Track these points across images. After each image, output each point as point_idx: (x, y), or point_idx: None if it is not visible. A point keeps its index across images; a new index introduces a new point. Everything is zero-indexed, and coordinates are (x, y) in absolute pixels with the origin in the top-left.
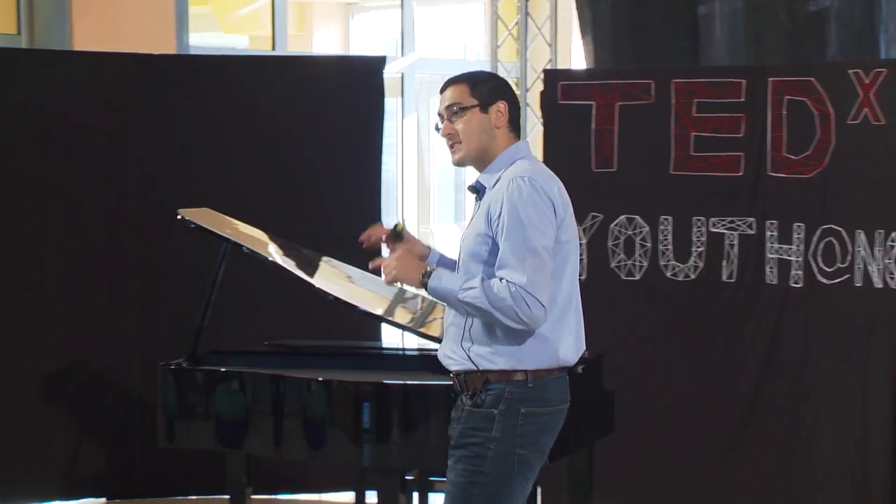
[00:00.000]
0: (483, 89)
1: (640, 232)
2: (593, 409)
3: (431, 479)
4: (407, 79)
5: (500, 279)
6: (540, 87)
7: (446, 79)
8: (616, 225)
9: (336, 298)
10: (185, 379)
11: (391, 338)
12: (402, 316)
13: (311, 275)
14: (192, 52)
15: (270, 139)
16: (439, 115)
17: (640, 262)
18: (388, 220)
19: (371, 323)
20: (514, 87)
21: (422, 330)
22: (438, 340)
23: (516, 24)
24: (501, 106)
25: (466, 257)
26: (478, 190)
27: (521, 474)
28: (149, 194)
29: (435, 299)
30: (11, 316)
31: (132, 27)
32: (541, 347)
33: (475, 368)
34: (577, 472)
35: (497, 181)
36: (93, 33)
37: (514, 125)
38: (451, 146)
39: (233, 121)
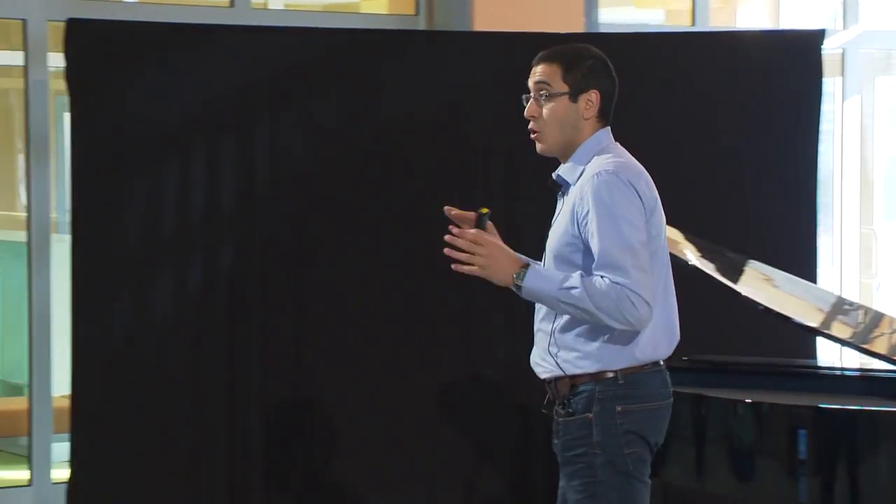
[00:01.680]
0: (577, 74)
1: None
2: None
3: None
4: (849, 55)
5: (602, 277)
6: None
7: (543, 51)
8: None
9: (766, 309)
10: None
11: (828, 355)
12: (840, 329)
13: (736, 280)
14: (602, 30)
15: (688, 125)
16: (528, 87)
17: None
18: (823, 219)
19: (804, 337)
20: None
21: (865, 346)
22: (886, 359)
23: None
24: (593, 96)
25: (552, 259)
26: (560, 185)
27: (639, 472)
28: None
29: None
30: (411, 326)
31: (537, 5)
32: (618, 349)
33: (563, 374)
34: None
35: (580, 175)
36: (495, 13)
37: (604, 114)
38: (534, 133)
39: (646, 104)
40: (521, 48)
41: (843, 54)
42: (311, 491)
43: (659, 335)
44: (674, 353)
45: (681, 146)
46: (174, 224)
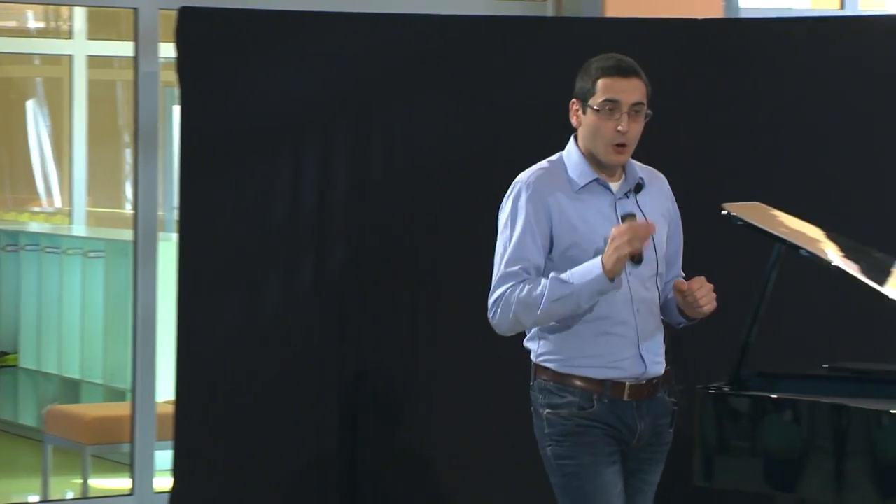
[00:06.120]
0: (648, 90)
1: None
2: None
3: None
4: None
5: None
6: None
7: (629, 64)
8: None
9: None
10: (727, 406)
11: None
12: None
13: (883, 283)
14: (742, 15)
15: (835, 117)
16: (613, 100)
17: None
18: None
19: None
20: None
21: None
22: None
23: None
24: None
25: (663, 257)
26: (641, 186)
27: None
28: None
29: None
30: None
31: None
32: None
33: (667, 367)
34: None
35: (642, 176)
36: None
37: None
38: (622, 146)
39: (787, 95)
40: (656, 36)
41: None
42: None
43: None
44: (810, 360)
45: (825, 140)
46: (283, 221)
